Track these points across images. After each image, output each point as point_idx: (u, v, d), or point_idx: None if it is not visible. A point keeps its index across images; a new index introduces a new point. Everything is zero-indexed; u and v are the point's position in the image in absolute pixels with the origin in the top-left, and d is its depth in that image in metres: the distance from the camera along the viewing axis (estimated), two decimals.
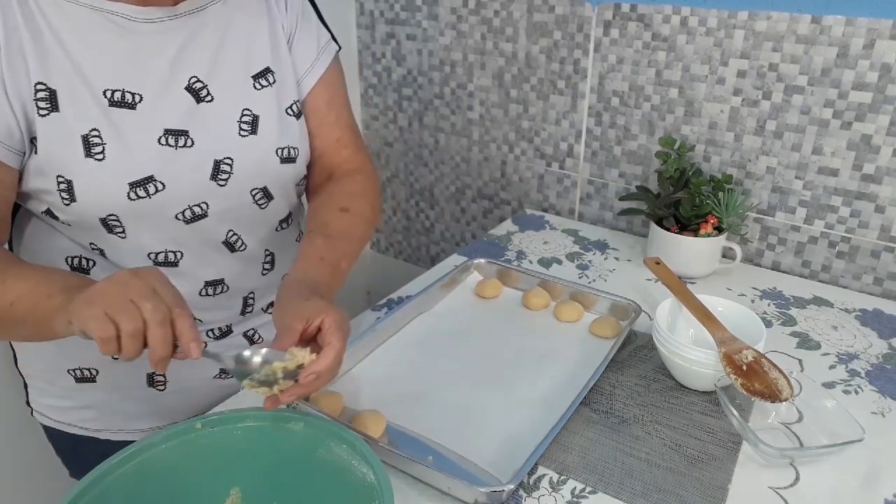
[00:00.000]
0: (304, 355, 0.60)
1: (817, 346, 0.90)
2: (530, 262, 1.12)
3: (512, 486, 0.63)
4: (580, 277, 1.07)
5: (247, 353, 0.61)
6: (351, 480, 0.57)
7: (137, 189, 0.68)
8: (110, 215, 0.69)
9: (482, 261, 1.06)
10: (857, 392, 0.81)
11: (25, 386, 0.86)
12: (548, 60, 1.25)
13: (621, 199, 1.23)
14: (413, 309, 0.93)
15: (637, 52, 1.15)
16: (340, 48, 0.89)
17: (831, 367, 0.85)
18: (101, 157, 0.67)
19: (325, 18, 0.88)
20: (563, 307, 0.95)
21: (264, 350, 0.61)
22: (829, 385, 0.82)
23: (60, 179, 0.66)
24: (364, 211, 0.84)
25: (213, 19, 0.74)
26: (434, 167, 1.52)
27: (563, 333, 0.92)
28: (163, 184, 0.70)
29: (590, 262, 1.13)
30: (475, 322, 0.94)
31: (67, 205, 0.67)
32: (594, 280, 1.06)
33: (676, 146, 1.10)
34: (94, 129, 0.67)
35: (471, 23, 1.32)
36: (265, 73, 0.78)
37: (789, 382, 0.73)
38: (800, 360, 0.86)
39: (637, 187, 1.18)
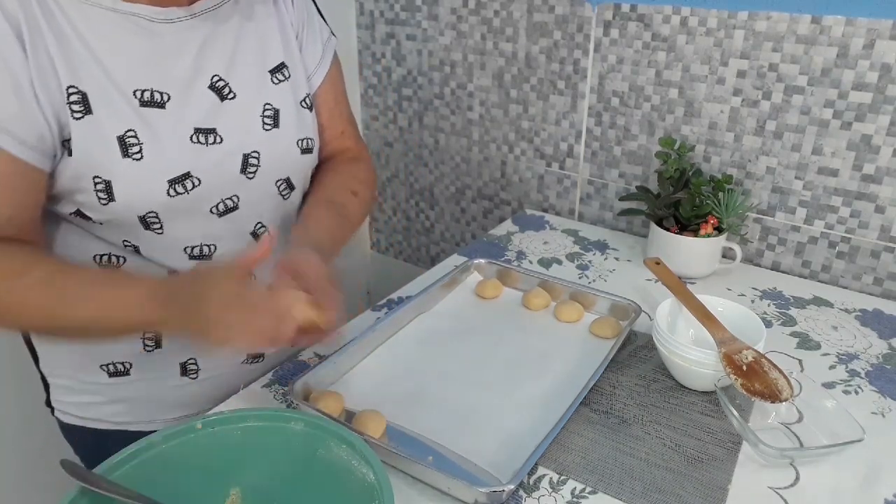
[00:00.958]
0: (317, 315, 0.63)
1: (817, 346, 0.90)
2: (530, 262, 1.12)
3: (512, 487, 0.63)
4: (580, 277, 1.07)
5: None
6: (351, 480, 0.57)
7: (176, 186, 0.71)
8: (149, 213, 0.71)
9: (482, 261, 1.06)
10: (857, 392, 0.81)
11: (46, 386, 0.86)
12: (548, 60, 1.25)
13: (621, 199, 1.23)
14: (413, 309, 0.93)
15: (637, 53, 1.15)
16: (337, 39, 0.92)
17: (831, 367, 0.85)
18: (138, 156, 0.68)
19: (323, 16, 0.90)
20: (563, 307, 0.95)
21: None
22: (829, 385, 0.82)
23: (97, 180, 0.67)
24: (367, 198, 0.91)
25: (226, 18, 0.76)
26: (434, 167, 1.52)
27: (563, 333, 0.92)
28: (199, 179, 0.72)
29: (590, 262, 1.13)
30: (475, 322, 0.94)
31: (105, 204, 0.68)
32: (594, 280, 1.06)
33: (676, 146, 1.10)
34: (130, 130, 0.68)
35: (471, 23, 1.32)
36: (280, 68, 0.80)
37: (789, 382, 0.73)
38: (800, 361, 0.86)
39: (637, 187, 1.18)
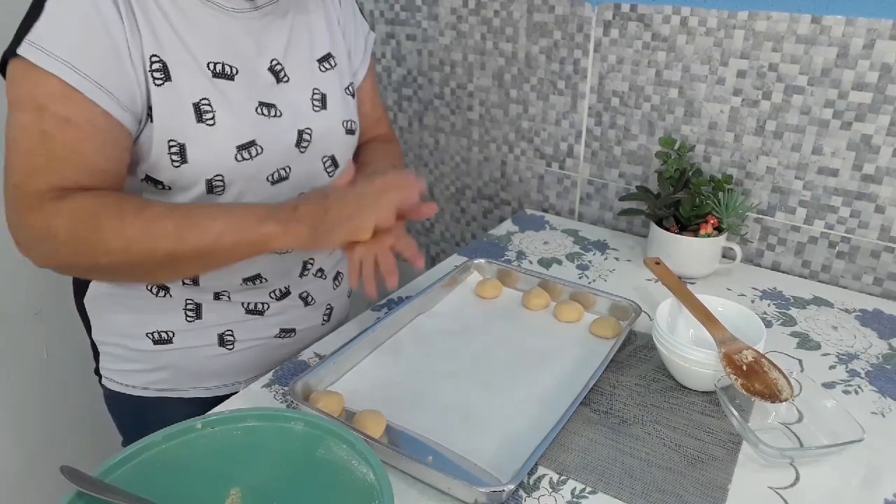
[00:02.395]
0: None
1: (817, 346, 0.90)
2: (530, 262, 1.12)
3: (512, 486, 0.63)
4: (580, 277, 1.07)
5: None
6: (351, 480, 0.57)
7: (243, 152, 0.77)
8: (217, 175, 0.76)
9: (482, 261, 1.06)
10: (857, 392, 0.81)
11: (96, 355, 0.90)
12: (548, 60, 1.25)
13: (621, 199, 1.23)
14: (413, 309, 0.93)
15: (637, 52, 1.15)
16: (374, 33, 1.00)
17: (831, 367, 0.85)
18: (211, 122, 0.74)
19: (363, 12, 1.00)
20: (563, 307, 0.95)
21: None
22: (829, 385, 0.82)
23: (172, 143, 0.73)
24: (400, 167, 1.01)
25: (282, 13, 0.83)
26: (434, 167, 1.52)
27: (563, 333, 0.92)
28: (262, 147, 0.78)
29: (590, 262, 1.13)
30: (475, 322, 0.94)
31: (177, 167, 0.74)
32: (594, 280, 1.06)
33: (676, 146, 1.10)
34: (205, 99, 0.74)
35: (471, 23, 1.32)
36: (327, 57, 0.88)
37: (789, 382, 0.73)
38: (800, 360, 0.86)
39: (637, 187, 1.18)
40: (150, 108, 0.71)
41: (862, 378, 0.83)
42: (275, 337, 0.92)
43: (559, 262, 1.12)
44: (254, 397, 0.79)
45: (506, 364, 0.85)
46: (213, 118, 0.74)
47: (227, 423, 0.62)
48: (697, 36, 1.08)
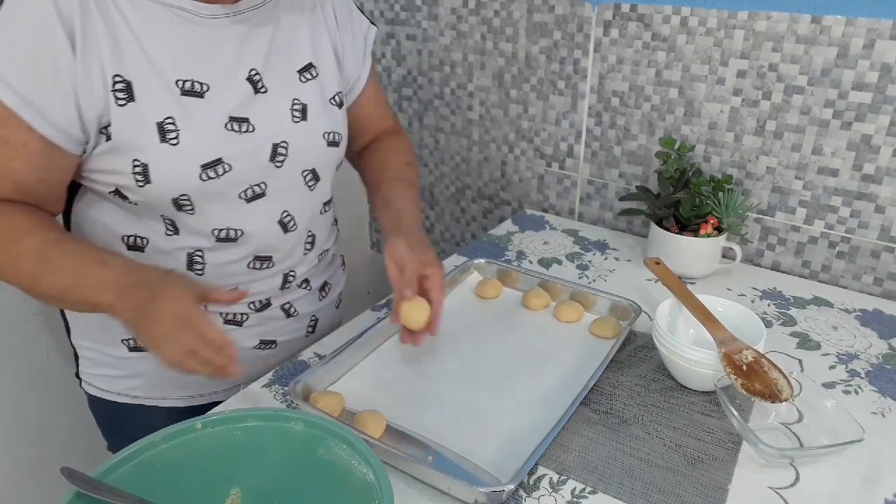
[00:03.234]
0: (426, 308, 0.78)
1: (817, 346, 0.90)
2: (530, 262, 1.12)
3: (512, 486, 0.63)
4: (580, 278, 1.07)
5: None
6: (351, 480, 0.57)
7: (208, 171, 0.74)
8: (182, 195, 0.74)
9: (482, 261, 1.06)
10: (857, 392, 0.81)
11: (76, 358, 0.90)
12: (548, 60, 1.25)
13: (621, 199, 1.23)
14: None
15: (637, 52, 1.15)
16: (376, 27, 0.97)
17: (831, 367, 0.85)
18: (175, 142, 0.72)
19: (361, 9, 0.97)
20: (563, 307, 0.95)
21: None
22: (829, 385, 0.82)
23: (136, 163, 0.72)
24: (415, 163, 1.02)
25: (265, 19, 0.80)
26: (434, 167, 1.52)
27: (563, 333, 0.92)
28: (230, 165, 0.76)
29: (590, 262, 1.13)
30: (475, 322, 0.94)
31: (141, 186, 0.73)
32: (594, 280, 1.06)
33: (676, 146, 1.10)
34: (169, 118, 0.72)
35: (471, 23, 1.32)
36: (308, 67, 0.85)
37: (789, 382, 0.73)
38: (800, 360, 0.86)
39: (637, 187, 1.18)
40: (106, 127, 0.70)
41: (862, 378, 0.83)
42: (254, 348, 0.89)
43: (559, 262, 1.12)
44: (254, 397, 0.79)
45: (506, 364, 0.85)
46: (176, 137, 0.72)
47: (227, 423, 0.62)
48: (697, 36, 1.08)
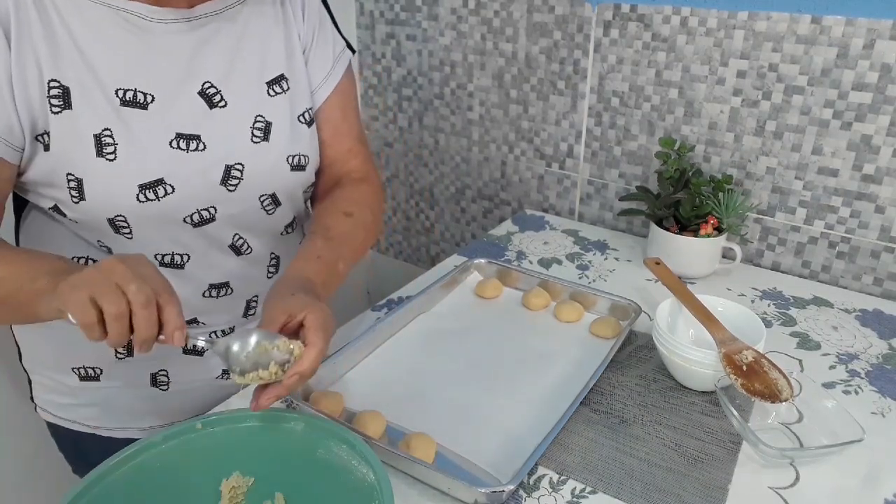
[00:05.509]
0: (297, 346, 0.61)
1: (817, 346, 0.90)
2: (530, 262, 1.12)
3: (512, 487, 0.63)
4: (580, 277, 1.07)
5: (235, 347, 0.61)
6: (351, 480, 0.57)
7: (147, 191, 0.68)
8: (118, 216, 0.69)
9: (482, 261, 1.06)
10: (857, 392, 0.81)
11: (30, 381, 0.86)
12: (548, 61, 1.25)
13: (621, 199, 1.23)
14: (413, 309, 0.93)
15: (637, 53, 1.15)
16: (355, 53, 0.89)
17: (831, 367, 0.85)
18: (112, 157, 0.66)
19: (339, 29, 0.88)
20: (563, 307, 0.95)
21: (254, 335, 0.61)
22: (829, 385, 0.82)
23: (70, 177, 0.66)
24: (366, 218, 0.84)
25: (228, 24, 0.74)
26: (434, 167, 1.52)
27: (563, 333, 0.92)
28: (172, 187, 0.70)
29: (590, 262, 1.13)
30: (475, 322, 0.94)
31: (76, 203, 0.67)
32: (594, 280, 1.06)
33: (676, 146, 1.10)
34: (107, 129, 0.66)
35: (471, 23, 1.32)
36: (279, 79, 0.78)
37: (789, 382, 0.73)
38: (800, 361, 0.86)
39: (637, 187, 1.18)
40: (41, 136, 0.65)
41: (862, 378, 0.83)
42: (216, 378, 0.84)
43: (559, 262, 1.12)
44: None
45: (506, 364, 0.85)
46: (114, 152, 0.66)
47: (227, 423, 0.62)
48: (697, 36, 1.08)
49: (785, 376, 0.74)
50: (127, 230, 0.70)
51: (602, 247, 1.18)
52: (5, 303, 0.62)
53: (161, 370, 0.81)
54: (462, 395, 0.79)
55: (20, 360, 0.85)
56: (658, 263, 0.96)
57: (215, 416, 0.62)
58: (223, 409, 0.76)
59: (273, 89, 0.77)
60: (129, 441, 0.76)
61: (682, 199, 1.05)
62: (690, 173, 1.09)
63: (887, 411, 0.78)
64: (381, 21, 1.45)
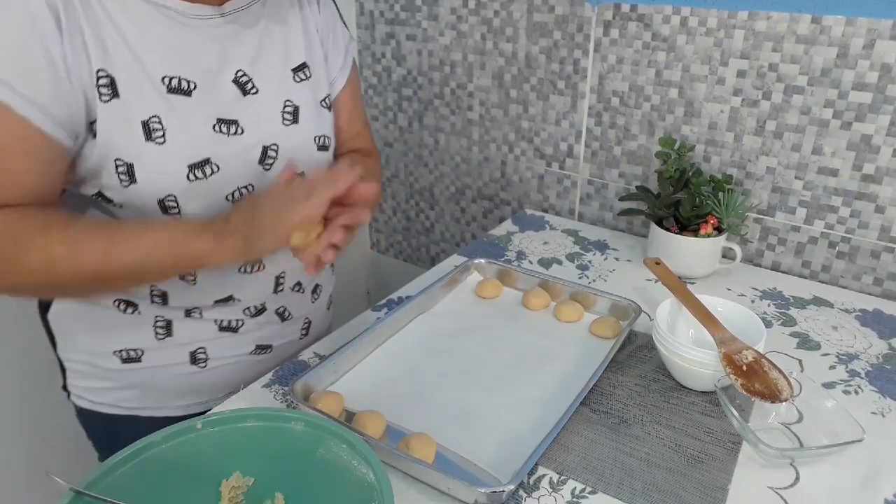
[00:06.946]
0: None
1: (817, 346, 0.90)
2: (530, 262, 1.12)
3: (512, 487, 0.63)
4: (580, 278, 1.07)
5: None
6: (351, 480, 0.57)
7: (196, 170, 0.73)
8: (168, 196, 0.73)
9: (482, 261, 1.06)
10: (857, 392, 0.81)
11: (63, 371, 0.88)
12: (548, 60, 1.25)
13: (621, 199, 1.23)
14: (413, 309, 0.93)
15: (637, 53, 1.15)
16: (356, 42, 0.96)
17: (831, 367, 0.85)
18: (161, 140, 0.71)
19: (344, 20, 0.94)
20: (563, 307, 0.95)
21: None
22: (829, 385, 0.82)
23: (119, 162, 0.70)
24: (376, 173, 0.98)
25: (253, 18, 0.79)
26: (434, 167, 1.52)
27: (563, 333, 0.92)
28: (217, 166, 0.75)
29: (590, 262, 1.13)
30: (475, 322, 0.94)
31: (126, 186, 0.71)
32: (594, 280, 1.06)
33: (676, 146, 1.10)
34: (154, 116, 0.71)
35: (471, 23, 1.32)
36: (302, 67, 0.84)
37: (789, 383, 0.73)
38: (800, 361, 0.86)
39: (637, 187, 1.18)
40: (91, 124, 0.68)
41: (862, 378, 0.83)
42: (250, 354, 0.89)
43: (559, 262, 1.12)
44: (254, 397, 0.79)
45: (506, 364, 0.85)
46: (163, 136, 0.71)
47: (227, 423, 0.62)
48: (697, 36, 1.08)
49: (785, 376, 0.74)
50: (175, 209, 0.74)
51: (602, 247, 1.18)
52: (144, 271, 0.69)
53: (199, 348, 0.85)
54: (462, 395, 0.79)
55: (55, 350, 0.88)
56: (658, 263, 0.96)
57: (215, 416, 0.62)
58: (223, 409, 0.76)
59: (298, 76, 0.83)
60: (168, 420, 0.84)
61: (682, 198, 1.05)
62: (690, 173, 1.09)
63: (887, 411, 0.78)
64: (381, 21, 1.45)
